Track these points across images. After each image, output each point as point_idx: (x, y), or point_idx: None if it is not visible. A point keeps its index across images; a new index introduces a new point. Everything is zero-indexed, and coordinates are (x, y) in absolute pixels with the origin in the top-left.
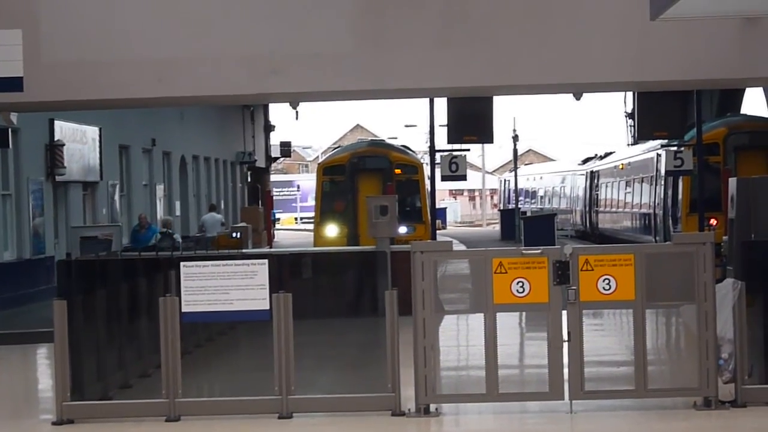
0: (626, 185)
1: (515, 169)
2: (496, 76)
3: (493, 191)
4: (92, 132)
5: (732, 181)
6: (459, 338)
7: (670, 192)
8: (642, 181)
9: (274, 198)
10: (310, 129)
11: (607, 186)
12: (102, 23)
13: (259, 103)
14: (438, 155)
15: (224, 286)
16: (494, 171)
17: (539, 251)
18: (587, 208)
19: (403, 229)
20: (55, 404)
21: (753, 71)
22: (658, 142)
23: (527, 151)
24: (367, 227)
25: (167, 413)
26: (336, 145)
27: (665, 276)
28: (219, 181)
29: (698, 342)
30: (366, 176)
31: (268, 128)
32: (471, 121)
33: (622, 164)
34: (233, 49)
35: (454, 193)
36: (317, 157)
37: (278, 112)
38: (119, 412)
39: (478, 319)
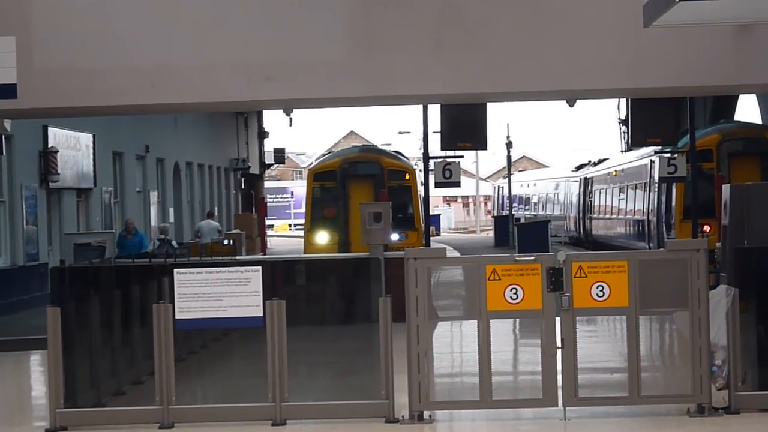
0: (620, 192)
1: (509, 175)
2: (490, 83)
3: (486, 198)
4: (86, 138)
5: (725, 188)
6: (453, 345)
7: (663, 198)
8: (636, 188)
9: (268, 204)
10: (304, 136)
11: (600, 192)
12: (96, 30)
13: (253, 109)
14: (432, 162)
15: (218, 293)
16: (488, 177)
17: (533, 258)
18: (581, 215)
19: (394, 237)
20: (49, 411)
21: (746, 78)
22: (651, 149)
23: (521, 158)
24: (359, 234)
25: (161, 420)
26: (329, 152)
27: (659, 282)
28: (213, 187)
29: (692, 348)
30: (357, 182)
31: (262, 135)
32: (465, 127)
33: (616, 171)
34: (227, 56)
35: (448, 200)
36: (311, 163)
37: (272, 119)
38: (113, 419)
39: (471, 326)
